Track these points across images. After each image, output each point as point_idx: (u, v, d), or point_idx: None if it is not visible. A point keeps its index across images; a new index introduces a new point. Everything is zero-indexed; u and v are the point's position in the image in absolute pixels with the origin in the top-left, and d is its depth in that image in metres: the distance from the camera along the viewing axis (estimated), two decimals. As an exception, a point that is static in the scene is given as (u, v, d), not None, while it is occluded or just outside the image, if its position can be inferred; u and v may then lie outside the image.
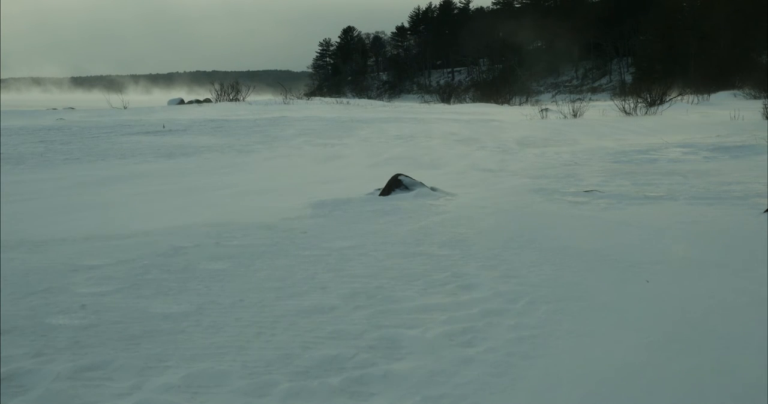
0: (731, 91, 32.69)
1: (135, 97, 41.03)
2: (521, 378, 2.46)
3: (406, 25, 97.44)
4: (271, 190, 7.45)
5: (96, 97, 39.15)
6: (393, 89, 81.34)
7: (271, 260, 4.16)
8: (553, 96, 57.02)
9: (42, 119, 16.22)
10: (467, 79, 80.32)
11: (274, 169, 9.49)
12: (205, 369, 2.55)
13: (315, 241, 4.68)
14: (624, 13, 66.85)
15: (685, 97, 26.75)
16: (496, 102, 31.72)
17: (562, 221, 5.29)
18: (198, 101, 29.18)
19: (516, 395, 2.34)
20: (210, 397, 2.35)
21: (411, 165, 9.30)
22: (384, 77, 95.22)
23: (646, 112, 21.09)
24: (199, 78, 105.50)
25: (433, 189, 6.78)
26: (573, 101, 23.18)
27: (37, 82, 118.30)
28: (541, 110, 21.30)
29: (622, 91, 31.03)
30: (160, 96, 56.88)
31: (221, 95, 28.19)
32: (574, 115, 20.01)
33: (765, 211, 5.23)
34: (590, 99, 32.01)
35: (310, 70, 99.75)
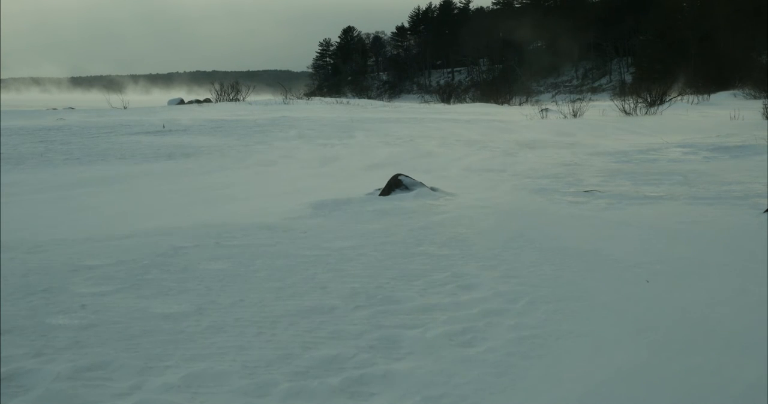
0: (731, 91, 32.70)
1: (135, 97, 41.02)
2: (521, 378, 2.46)
3: (406, 25, 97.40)
4: (270, 190, 7.45)
5: (96, 97, 39.16)
6: (393, 89, 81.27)
7: (271, 260, 4.16)
8: (553, 96, 56.99)
9: (42, 119, 16.21)
10: (467, 79, 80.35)
11: (274, 169, 9.49)
12: (205, 369, 2.55)
13: (315, 241, 4.68)
14: (624, 13, 66.83)
15: (685, 97, 26.74)
16: (496, 102, 31.70)
17: (562, 221, 5.29)
18: (198, 101, 29.16)
19: (516, 395, 2.34)
20: (210, 397, 2.35)
21: (411, 165, 9.29)
22: (384, 77, 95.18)
23: (646, 112, 21.08)
24: (198, 78, 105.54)
25: (433, 189, 6.78)
26: (573, 101, 23.16)
27: (36, 81, 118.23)
28: (541, 110, 21.28)
29: (622, 91, 31.02)
30: (160, 96, 56.86)
31: (221, 95, 28.18)
32: (574, 115, 20.00)
33: (765, 211, 5.23)
34: (590, 99, 31.94)
35: (310, 70, 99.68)
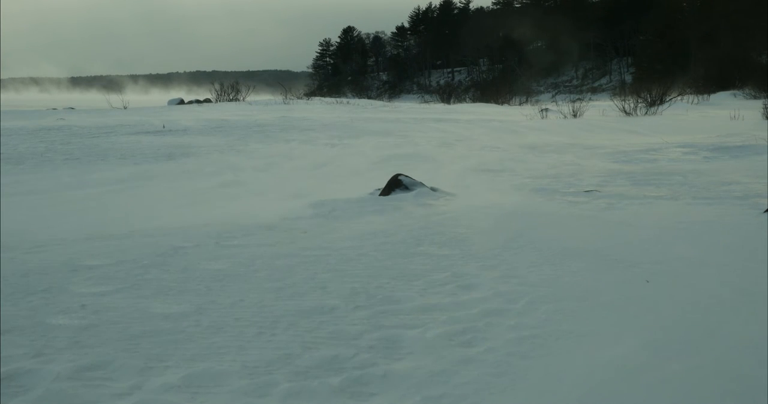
0: (731, 91, 32.69)
1: (134, 97, 40.97)
2: (521, 378, 2.46)
3: (406, 25, 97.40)
4: (271, 190, 7.44)
5: (96, 97, 39.15)
6: (393, 89, 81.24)
7: (271, 260, 4.16)
8: (553, 96, 56.98)
9: (42, 119, 16.21)
10: (467, 79, 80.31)
11: (274, 170, 9.48)
12: (205, 369, 2.55)
13: (315, 241, 4.68)
14: (624, 13, 66.84)
15: (685, 97, 26.75)
16: (496, 102, 31.71)
17: (563, 221, 5.29)
18: (198, 101, 29.16)
19: (516, 395, 2.34)
20: (210, 397, 2.35)
21: (411, 165, 9.29)
22: (384, 77, 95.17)
23: (646, 112, 21.08)
24: (198, 78, 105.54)
25: (433, 189, 6.78)
26: (573, 101, 23.17)
27: (35, 81, 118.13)
28: (541, 110, 21.28)
29: (622, 91, 31.01)
30: (160, 96, 56.81)
31: (221, 95, 28.19)
32: (574, 115, 20.00)
33: (765, 211, 5.23)
34: (590, 99, 31.98)
35: (310, 70, 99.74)
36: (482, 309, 3.20)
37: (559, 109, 21.63)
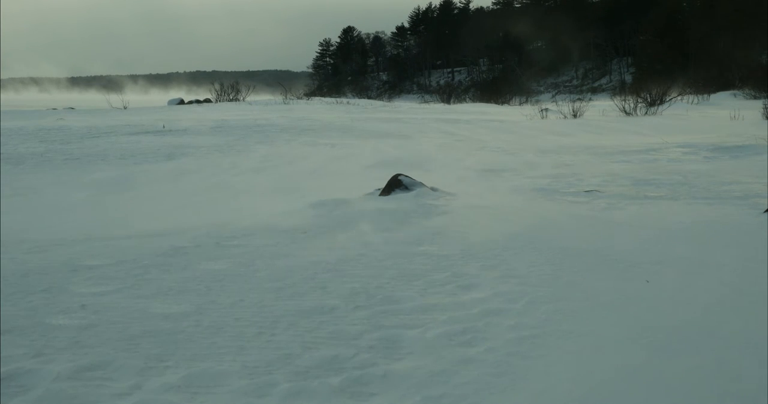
0: (731, 91, 32.68)
1: (134, 97, 40.95)
2: (521, 378, 2.46)
3: (406, 25, 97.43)
4: (271, 190, 7.44)
5: (95, 97, 39.12)
6: (393, 89, 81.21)
7: (271, 260, 4.16)
8: (553, 96, 56.95)
9: (42, 119, 16.21)
10: (467, 79, 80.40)
11: (274, 170, 9.48)
12: (205, 369, 2.55)
13: (315, 241, 4.68)
14: (624, 13, 66.89)
15: (685, 97, 26.73)
16: (496, 102, 31.72)
17: (562, 221, 5.29)
18: (198, 101, 29.16)
19: (516, 395, 2.34)
20: (210, 397, 2.35)
21: (411, 165, 9.29)
22: (384, 77, 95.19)
23: (646, 112, 21.08)
24: (198, 78, 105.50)
25: (433, 189, 6.78)
26: (573, 101, 23.16)
27: (35, 81, 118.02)
28: (541, 110, 21.28)
29: (622, 91, 31.02)
30: (159, 96, 56.76)
31: (221, 95, 28.18)
32: (574, 115, 20.00)
33: (765, 211, 5.23)
34: (590, 99, 31.96)
35: (310, 70, 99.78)
36: (482, 309, 3.20)
37: (559, 109, 21.62)
